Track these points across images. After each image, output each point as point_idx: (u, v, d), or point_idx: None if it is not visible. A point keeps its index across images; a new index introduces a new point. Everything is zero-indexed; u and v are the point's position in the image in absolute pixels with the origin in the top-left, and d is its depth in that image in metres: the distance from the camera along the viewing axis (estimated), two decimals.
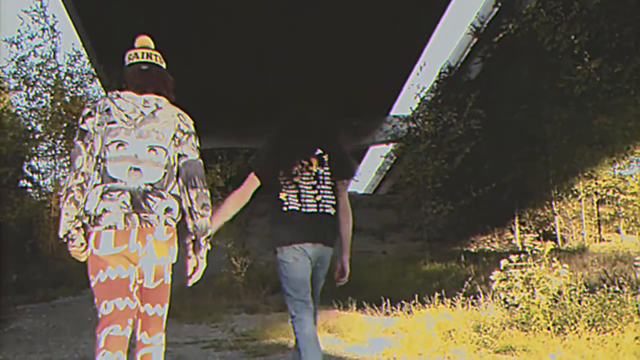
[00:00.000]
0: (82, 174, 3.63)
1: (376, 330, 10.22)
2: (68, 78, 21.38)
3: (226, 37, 27.35)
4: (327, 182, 4.55)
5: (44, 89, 21.03)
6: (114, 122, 3.73)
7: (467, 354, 8.08)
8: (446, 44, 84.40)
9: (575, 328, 7.91)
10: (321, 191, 4.52)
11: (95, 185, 3.65)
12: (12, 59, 20.81)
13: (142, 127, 3.76)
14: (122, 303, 3.65)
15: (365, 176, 51.71)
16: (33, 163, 22.10)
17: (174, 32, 26.75)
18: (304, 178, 4.47)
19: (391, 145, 27.80)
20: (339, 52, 29.12)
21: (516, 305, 8.95)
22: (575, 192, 21.29)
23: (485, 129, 21.08)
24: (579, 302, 8.39)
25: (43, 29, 20.89)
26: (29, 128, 21.37)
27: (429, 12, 26.95)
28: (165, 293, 3.88)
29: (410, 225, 23.08)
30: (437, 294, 10.21)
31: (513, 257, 9.29)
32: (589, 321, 7.97)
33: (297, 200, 4.44)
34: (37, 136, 21.21)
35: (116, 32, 26.05)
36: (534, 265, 9.07)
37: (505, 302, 9.20)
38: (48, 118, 20.73)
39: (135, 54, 4.07)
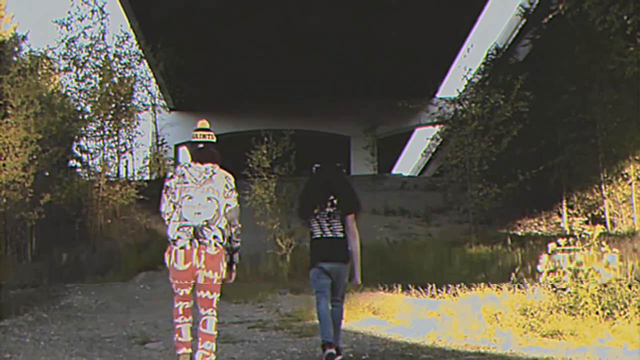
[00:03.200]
0: (166, 214, 6.13)
1: (421, 313, 10.19)
2: (116, 59, 21.60)
3: (267, 17, 27.37)
4: (336, 217, 6.92)
5: (92, 70, 21.29)
6: (186, 183, 6.08)
7: (513, 337, 8.03)
8: (494, 25, 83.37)
9: (625, 313, 7.79)
10: (333, 223, 6.92)
11: (174, 221, 6.04)
12: (62, 41, 21.11)
13: (205, 185, 6.08)
14: (189, 291, 6.09)
15: (411, 158, 51.49)
16: (82, 143, 22.44)
17: (219, 14, 26.87)
18: (322, 215, 6.93)
19: (437, 127, 27.60)
20: (385, 33, 28.97)
21: (564, 289, 8.85)
22: (625, 176, 20.84)
23: (533, 112, 20.79)
24: (629, 287, 8.27)
25: (92, 11, 21.17)
26: (78, 109, 21.67)
27: None
28: (213, 287, 6.09)
29: (456, 208, 22.89)
30: (482, 276, 10.13)
31: (561, 241, 9.17)
32: (638, 306, 7.85)
33: (319, 230, 6.94)
34: (86, 117, 21.50)
35: (163, 14, 26.25)
36: (583, 250, 8.95)
37: (553, 286, 9.09)
38: (97, 99, 20.99)
39: (195, 135, 6.37)
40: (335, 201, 6.93)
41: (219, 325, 9.61)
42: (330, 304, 6.94)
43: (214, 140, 6.36)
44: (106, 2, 21.47)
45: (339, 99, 35.01)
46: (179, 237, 6.00)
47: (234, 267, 6.42)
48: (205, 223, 6.01)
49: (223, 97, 34.74)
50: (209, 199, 6.05)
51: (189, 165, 6.21)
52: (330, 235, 6.91)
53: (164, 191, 6.18)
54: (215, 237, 6.03)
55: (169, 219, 6.12)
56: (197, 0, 25.83)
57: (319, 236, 6.95)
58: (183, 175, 6.13)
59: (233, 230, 6.22)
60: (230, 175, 6.27)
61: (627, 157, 20.57)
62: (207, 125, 6.44)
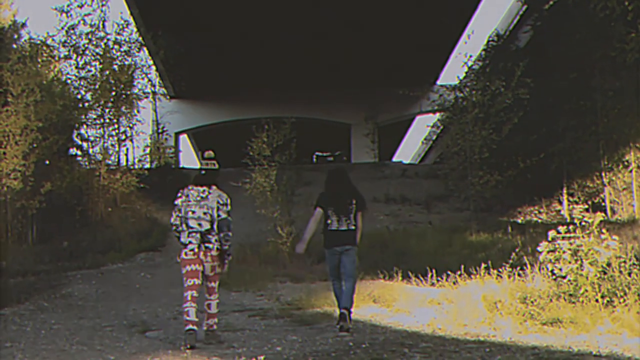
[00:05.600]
0: (175, 225, 7.97)
1: (421, 301, 10.21)
2: (116, 47, 21.53)
3: (268, 5, 27.30)
4: (352, 213, 8.72)
5: (93, 57, 21.22)
6: (190, 201, 7.92)
7: (513, 326, 8.04)
8: (495, 11, 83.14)
9: (624, 300, 7.79)
10: (350, 218, 8.70)
11: (184, 230, 7.88)
12: (62, 28, 21.04)
13: (202, 202, 7.91)
14: (196, 281, 7.79)
15: (412, 146, 51.37)
16: (82, 131, 22.38)
17: (219, 1, 26.82)
18: (342, 211, 8.68)
19: (438, 115, 27.53)
20: (386, 20, 28.89)
21: (564, 277, 8.83)
22: (626, 163, 20.76)
23: (534, 98, 20.71)
24: (629, 274, 8.25)
25: None
26: (79, 97, 21.62)
27: None
28: (214, 277, 8.01)
29: (457, 195, 22.84)
30: (483, 265, 10.13)
31: (561, 228, 9.15)
32: (638, 294, 7.85)
33: (337, 223, 8.67)
34: (86, 105, 21.44)
35: (163, 1, 26.19)
36: (583, 237, 8.93)
37: (553, 274, 9.07)
38: (97, 87, 20.94)
39: (201, 163, 8.33)
40: (354, 203, 8.75)
41: (220, 314, 9.69)
42: (343, 283, 8.55)
43: (216, 167, 8.30)
44: None
45: (340, 86, 34.96)
46: (190, 242, 7.86)
47: (227, 262, 8.10)
48: (206, 231, 7.85)
49: (223, 85, 34.71)
50: (205, 213, 7.88)
51: (192, 188, 8.05)
52: (345, 228, 8.66)
53: (173, 210, 8.03)
54: (216, 241, 7.87)
55: (176, 229, 7.97)
56: None
57: (335, 228, 8.66)
58: (188, 195, 8.00)
59: (222, 235, 7.90)
60: (223, 194, 8.11)
61: (628, 144, 20.49)
62: (213, 155, 8.29)
